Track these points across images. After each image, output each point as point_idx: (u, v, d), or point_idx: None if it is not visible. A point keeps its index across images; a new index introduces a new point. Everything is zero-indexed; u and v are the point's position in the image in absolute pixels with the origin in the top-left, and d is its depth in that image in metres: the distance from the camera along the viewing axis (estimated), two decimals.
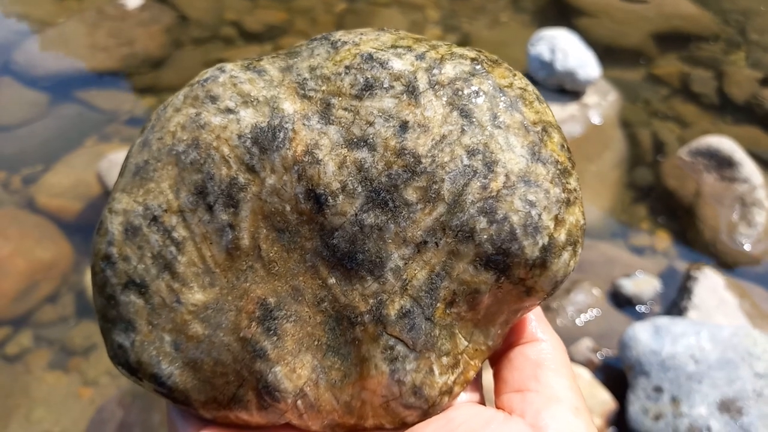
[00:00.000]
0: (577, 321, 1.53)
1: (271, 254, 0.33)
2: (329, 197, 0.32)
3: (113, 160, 1.79)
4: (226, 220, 0.33)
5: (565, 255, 0.33)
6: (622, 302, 1.56)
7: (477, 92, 0.33)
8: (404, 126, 0.32)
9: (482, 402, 0.38)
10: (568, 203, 0.33)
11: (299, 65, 0.36)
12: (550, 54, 1.93)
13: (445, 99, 0.33)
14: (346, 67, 0.34)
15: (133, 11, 2.50)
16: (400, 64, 0.34)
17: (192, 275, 0.34)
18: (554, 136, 0.34)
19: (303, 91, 0.34)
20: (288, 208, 0.33)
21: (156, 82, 2.27)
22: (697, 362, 1.26)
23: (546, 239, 0.32)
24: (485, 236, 0.31)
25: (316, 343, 0.33)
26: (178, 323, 0.34)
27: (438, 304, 0.32)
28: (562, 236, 0.32)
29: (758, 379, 1.22)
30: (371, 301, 0.32)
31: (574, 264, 0.33)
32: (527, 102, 0.34)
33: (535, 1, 2.63)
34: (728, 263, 1.66)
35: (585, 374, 1.34)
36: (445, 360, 0.32)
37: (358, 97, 0.33)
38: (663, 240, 1.75)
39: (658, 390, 1.26)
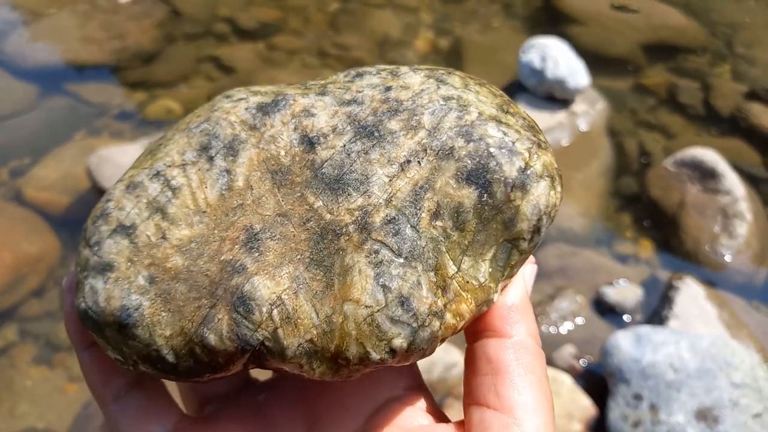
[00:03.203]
0: (561, 327, 1.56)
1: (261, 191, 0.34)
2: (321, 137, 0.35)
3: (103, 154, 1.79)
4: (224, 166, 0.35)
5: (544, 183, 0.33)
6: (605, 310, 1.59)
7: (450, 73, 0.38)
8: (388, 88, 0.37)
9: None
10: (539, 146, 0.35)
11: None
12: (540, 62, 1.96)
13: (422, 74, 0.38)
14: (343, 72, 0.40)
15: (125, 4, 2.49)
16: (385, 66, 0.39)
17: (182, 215, 0.34)
18: (520, 108, 0.38)
19: (304, 87, 0.39)
20: (282, 152, 0.35)
21: (147, 76, 2.26)
22: (677, 371, 1.29)
23: (522, 163, 0.33)
24: (464, 152, 0.33)
25: (299, 256, 0.32)
26: (158, 258, 0.33)
27: (422, 214, 0.32)
28: (537, 166, 0.34)
29: (735, 388, 1.26)
30: (357, 213, 0.33)
31: (555, 198, 0.34)
32: (492, 87, 0.39)
33: (527, 7, 2.65)
34: (709, 273, 1.69)
35: (567, 380, 1.37)
36: (432, 276, 0.31)
37: (350, 82, 0.38)
38: (646, 249, 1.78)
39: (638, 397, 1.29)
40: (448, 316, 0.31)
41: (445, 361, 1.45)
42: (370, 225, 0.32)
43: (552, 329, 1.55)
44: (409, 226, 0.32)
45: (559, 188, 0.35)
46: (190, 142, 0.37)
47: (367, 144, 0.34)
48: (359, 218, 0.32)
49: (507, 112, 0.36)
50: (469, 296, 0.32)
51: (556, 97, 2.00)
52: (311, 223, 0.33)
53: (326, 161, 0.34)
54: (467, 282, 0.32)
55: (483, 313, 0.34)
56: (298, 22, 2.53)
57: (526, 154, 0.34)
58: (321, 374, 0.31)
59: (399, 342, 0.30)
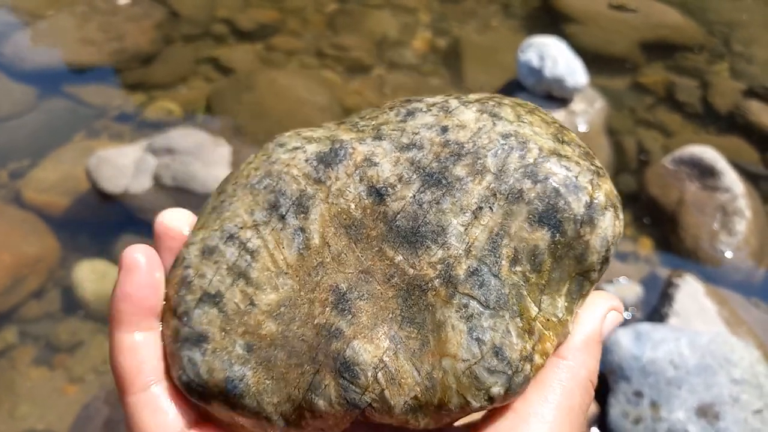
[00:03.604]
0: None
1: (339, 248, 0.35)
2: (388, 188, 0.35)
3: (102, 156, 1.79)
4: (297, 224, 0.36)
5: (609, 214, 0.34)
6: None
7: (500, 104, 0.38)
8: (444, 128, 0.37)
9: None
10: (598, 174, 0.35)
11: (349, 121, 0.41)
12: (539, 61, 1.96)
13: (474, 109, 0.38)
14: (389, 107, 0.40)
15: (123, 6, 2.49)
16: (432, 99, 0.39)
17: (265, 279, 0.35)
18: (571, 132, 0.38)
19: (356, 128, 0.39)
20: (353, 206, 0.36)
21: (146, 78, 2.26)
22: (677, 368, 1.29)
23: (587, 197, 0.34)
24: (533, 194, 0.34)
25: (390, 315, 0.33)
26: (251, 325, 0.35)
27: (502, 262, 0.33)
28: (601, 196, 0.34)
29: (735, 385, 1.26)
30: (439, 266, 0.33)
31: (619, 226, 0.35)
32: (541, 112, 0.39)
33: (525, 7, 2.65)
34: (709, 271, 1.69)
35: None
36: (519, 322, 0.33)
37: (403, 121, 0.38)
38: (646, 246, 1.79)
39: (639, 394, 1.29)
40: (537, 357, 0.33)
41: None
42: (455, 278, 0.33)
43: None
44: (491, 275, 0.33)
45: (621, 216, 0.35)
46: (257, 200, 0.37)
47: (437, 193, 0.35)
48: (443, 271, 0.33)
49: (563, 142, 0.36)
50: (551, 333, 0.33)
51: (555, 96, 2.00)
52: (395, 279, 0.34)
53: (398, 213, 0.35)
54: (548, 320, 0.33)
55: (563, 344, 0.35)
56: (297, 22, 2.53)
57: (590, 187, 0.34)
58: (425, 425, 0.33)
59: (497, 390, 0.32)
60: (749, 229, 1.74)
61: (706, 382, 1.26)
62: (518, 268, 0.33)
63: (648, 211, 1.86)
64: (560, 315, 0.34)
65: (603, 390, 1.36)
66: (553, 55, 1.95)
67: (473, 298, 0.33)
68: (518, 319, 0.33)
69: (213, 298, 0.35)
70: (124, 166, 1.78)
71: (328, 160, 0.37)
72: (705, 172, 1.84)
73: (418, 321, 0.33)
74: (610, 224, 0.34)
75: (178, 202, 1.73)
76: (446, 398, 0.32)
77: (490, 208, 0.34)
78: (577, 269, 0.34)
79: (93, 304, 1.60)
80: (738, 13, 2.62)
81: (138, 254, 0.35)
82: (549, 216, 0.34)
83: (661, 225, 1.82)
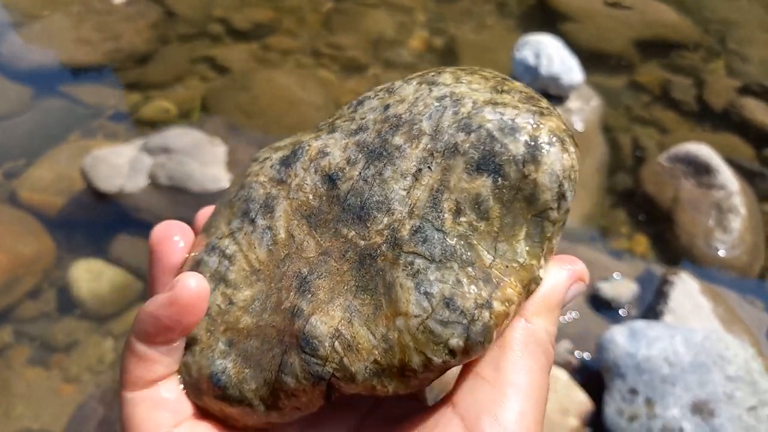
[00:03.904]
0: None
1: (302, 237, 0.37)
2: (339, 172, 0.37)
3: (97, 156, 1.79)
4: (264, 224, 0.38)
5: (554, 149, 0.33)
6: (600, 305, 1.60)
7: (440, 72, 0.39)
8: (386, 106, 0.38)
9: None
10: (541, 114, 0.35)
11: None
12: (534, 59, 1.96)
13: (414, 82, 0.39)
14: (346, 104, 0.42)
15: (119, 6, 2.49)
16: (381, 85, 0.41)
17: (241, 278, 0.38)
18: (515, 82, 0.38)
19: (317, 129, 0.42)
20: (311, 196, 0.38)
21: (141, 77, 2.26)
22: (671, 365, 1.29)
23: (526, 137, 0.34)
24: (467, 145, 0.34)
25: (345, 287, 0.34)
26: (231, 322, 0.37)
27: (445, 215, 0.33)
28: (543, 134, 0.34)
29: (729, 382, 1.26)
30: (386, 232, 0.34)
31: (570, 159, 0.34)
32: (485, 71, 0.39)
33: (521, 5, 2.66)
34: (704, 268, 1.70)
35: (563, 375, 1.37)
36: (471, 271, 0.32)
37: (354, 111, 0.40)
38: (641, 244, 1.79)
39: (634, 392, 1.29)
40: (496, 305, 0.32)
41: None
42: (399, 240, 0.34)
43: None
44: (434, 230, 0.33)
45: (572, 148, 0.35)
46: (233, 210, 0.40)
47: (379, 165, 0.36)
48: (389, 236, 0.34)
49: (502, 92, 0.36)
50: (512, 279, 0.33)
51: (551, 94, 2.00)
52: (349, 253, 0.35)
53: (348, 192, 0.36)
54: (507, 266, 0.33)
55: (534, 291, 0.34)
56: (292, 22, 2.53)
57: (529, 127, 0.34)
58: (395, 390, 0.33)
59: (455, 341, 0.31)
60: (744, 226, 1.74)
61: (701, 379, 1.27)
62: (463, 219, 0.33)
63: (643, 209, 1.86)
64: (522, 260, 0.33)
65: (598, 387, 1.36)
66: (549, 53, 1.95)
67: (418, 254, 0.33)
68: (470, 268, 0.32)
69: None
70: (119, 165, 1.77)
71: (288, 161, 0.39)
72: (700, 170, 1.84)
73: (371, 287, 0.34)
74: (557, 158, 0.33)
75: (173, 202, 1.73)
76: (406, 358, 0.32)
77: (429, 167, 0.35)
78: (531, 211, 0.33)
79: (88, 304, 1.60)
80: (733, 11, 2.62)
81: (186, 287, 0.37)
82: (486, 162, 0.34)
83: (656, 222, 1.83)
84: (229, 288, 0.38)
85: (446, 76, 0.38)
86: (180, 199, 1.72)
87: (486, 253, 0.33)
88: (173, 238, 0.40)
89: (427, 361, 0.32)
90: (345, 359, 0.33)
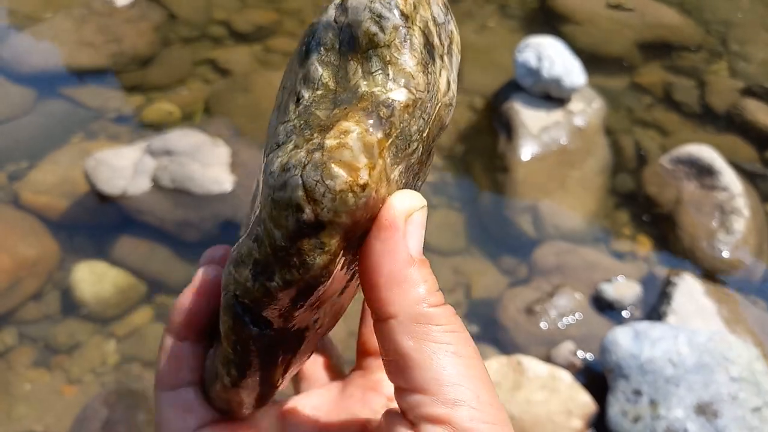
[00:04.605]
0: (560, 324, 1.56)
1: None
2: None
3: (100, 158, 1.79)
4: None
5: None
6: (604, 306, 1.59)
7: None
8: None
9: None
10: None
11: None
12: (536, 61, 1.96)
13: None
14: None
15: (121, 8, 2.49)
16: None
17: None
18: None
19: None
20: None
21: (144, 80, 2.26)
22: (675, 366, 1.29)
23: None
24: (301, 48, 0.34)
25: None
26: None
27: (290, 107, 0.33)
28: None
29: (733, 383, 1.26)
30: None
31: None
32: None
33: (522, 7, 2.66)
34: (707, 270, 1.69)
35: (566, 377, 1.37)
36: (308, 133, 0.29)
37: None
38: (644, 246, 1.79)
39: (637, 393, 1.29)
40: (329, 141, 0.28)
41: None
42: (266, 154, 0.33)
43: (550, 326, 1.55)
44: (281, 124, 0.32)
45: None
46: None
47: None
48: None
49: None
50: (351, 114, 0.29)
51: (553, 96, 2.01)
52: None
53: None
54: (345, 108, 0.30)
55: (388, 116, 0.29)
56: (294, 24, 2.53)
57: None
58: (290, 281, 0.30)
59: (296, 194, 0.28)
60: (747, 227, 1.74)
61: (705, 380, 1.26)
62: (303, 100, 0.32)
63: (646, 211, 1.86)
64: (360, 93, 0.30)
65: (602, 389, 1.36)
66: (551, 56, 1.95)
67: (270, 153, 0.31)
68: (308, 131, 0.30)
69: None
70: (122, 167, 1.78)
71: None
72: (703, 171, 1.84)
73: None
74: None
75: (176, 204, 1.73)
76: (273, 240, 0.29)
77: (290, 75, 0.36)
78: (359, 50, 0.31)
79: (91, 306, 1.60)
80: (734, 12, 2.62)
81: (206, 274, 0.37)
82: (308, 43, 0.33)
83: (659, 224, 1.82)
84: None
85: None
86: (183, 200, 1.72)
87: (325, 111, 0.30)
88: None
89: (287, 231, 0.28)
90: (235, 273, 0.31)
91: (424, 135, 0.31)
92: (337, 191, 0.27)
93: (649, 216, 1.85)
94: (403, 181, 0.31)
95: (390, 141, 0.29)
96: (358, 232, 0.30)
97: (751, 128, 2.09)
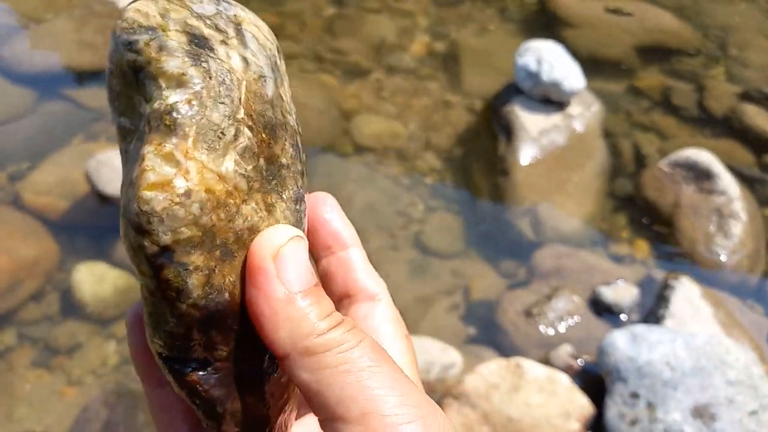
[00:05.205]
0: (558, 327, 1.57)
1: None
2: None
3: (101, 159, 1.79)
4: None
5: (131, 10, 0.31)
6: (602, 309, 1.60)
7: None
8: None
9: None
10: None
11: None
12: (536, 65, 1.97)
13: None
14: None
15: (122, 9, 2.50)
16: None
17: None
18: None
19: None
20: None
21: None
22: (673, 369, 1.30)
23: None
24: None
25: None
26: None
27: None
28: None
29: (730, 386, 1.27)
30: None
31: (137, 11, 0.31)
32: None
33: (522, 11, 2.67)
34: (705, 273, 1.70)
35: (564, 379, 1.38)
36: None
37: None
38: (642, 249, 1.80)
39: (635, 396, 1.30)
40: (135, 173, 0.28)
41: (442, 361, 1.46)
42: None
43: (549, 329, 1.56)
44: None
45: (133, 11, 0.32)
46: None
47: None
48: None
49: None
50: (147, 146, 0.28)
51: (552, 100, 2.02)
52: None
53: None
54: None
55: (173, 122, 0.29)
56: (295, 27, 2.54)
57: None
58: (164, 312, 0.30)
59: (129, 227, 0.28)
60: (745, 231, 1.75)
61: (702, 383, 1.27)
62: (127, 153, 0.32)
63: (644, 214, 1.87)
64: (146, 113, 0.30)
65: (599, 392, 1.37)
66: (550, 59, 1.96)
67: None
68: (125, 174, 0.30)
69: None
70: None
71: None
72: (701, 175, 1.85)
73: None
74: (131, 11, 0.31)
75: None
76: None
77: None
78: (132, 78, 0.31)
79: (91, 307, 1.61)
80: (732, 17, 2.64)
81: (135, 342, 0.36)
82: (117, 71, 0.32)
83: (657, 228, 1.83)
84: None
85: None
86: None
87: (134, 151, 0.30)
88: None
89: (149, 271, 0.28)
90: (149, 338, 0.31)
91: (239, 116, 0.30)
92: (160, 211, 0.27)
93: (647, 219, 1.86)
94: (251, 167, 0.30)
95: (191, 140, 0.28)
96: (230, 234, 0.29)
97: (748, 132, 2.10)
